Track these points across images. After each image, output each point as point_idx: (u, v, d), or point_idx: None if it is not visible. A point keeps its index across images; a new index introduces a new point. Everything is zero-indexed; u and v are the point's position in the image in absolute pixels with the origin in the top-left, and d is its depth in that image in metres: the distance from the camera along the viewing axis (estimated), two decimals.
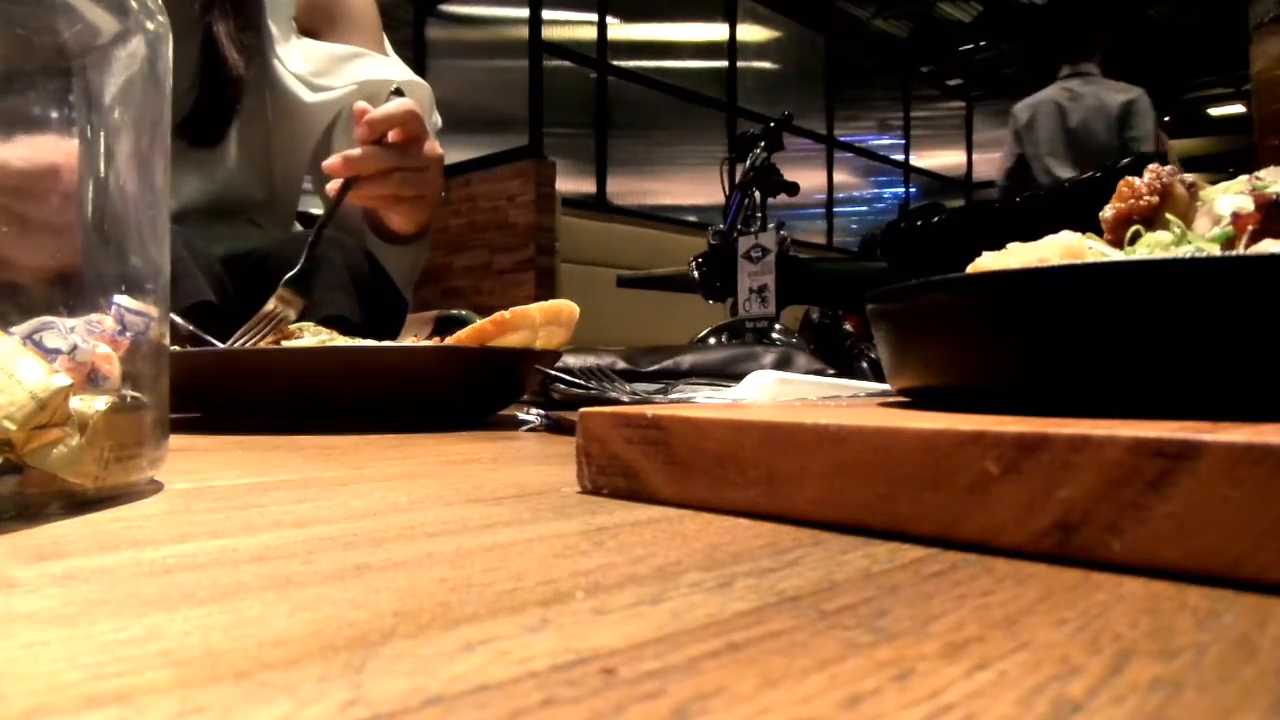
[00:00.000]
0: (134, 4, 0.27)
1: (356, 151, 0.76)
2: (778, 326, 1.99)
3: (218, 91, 0.91)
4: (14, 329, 0.24)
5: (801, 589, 0.16)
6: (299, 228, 1.10)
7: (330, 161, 0.76)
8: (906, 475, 0.20)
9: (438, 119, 1.02)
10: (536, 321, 0.57)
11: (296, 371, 0.53)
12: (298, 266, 0.69)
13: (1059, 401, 0.24)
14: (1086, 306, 0.23)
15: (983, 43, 6.43)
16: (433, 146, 0.82)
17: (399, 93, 0.80)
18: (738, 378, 0.70)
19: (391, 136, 0.77)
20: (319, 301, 0.80)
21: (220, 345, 0.64)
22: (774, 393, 0.51)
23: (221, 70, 0.90)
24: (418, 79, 1.00)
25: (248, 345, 0.65)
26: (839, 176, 6.18)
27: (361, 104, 0.77)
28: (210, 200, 0.95)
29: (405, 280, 0.99)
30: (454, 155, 3.99)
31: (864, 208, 6.64)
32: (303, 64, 0.96)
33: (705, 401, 0.53)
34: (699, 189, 4.79)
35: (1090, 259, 0.28)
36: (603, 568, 0.18)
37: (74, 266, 0.26)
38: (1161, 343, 0.22)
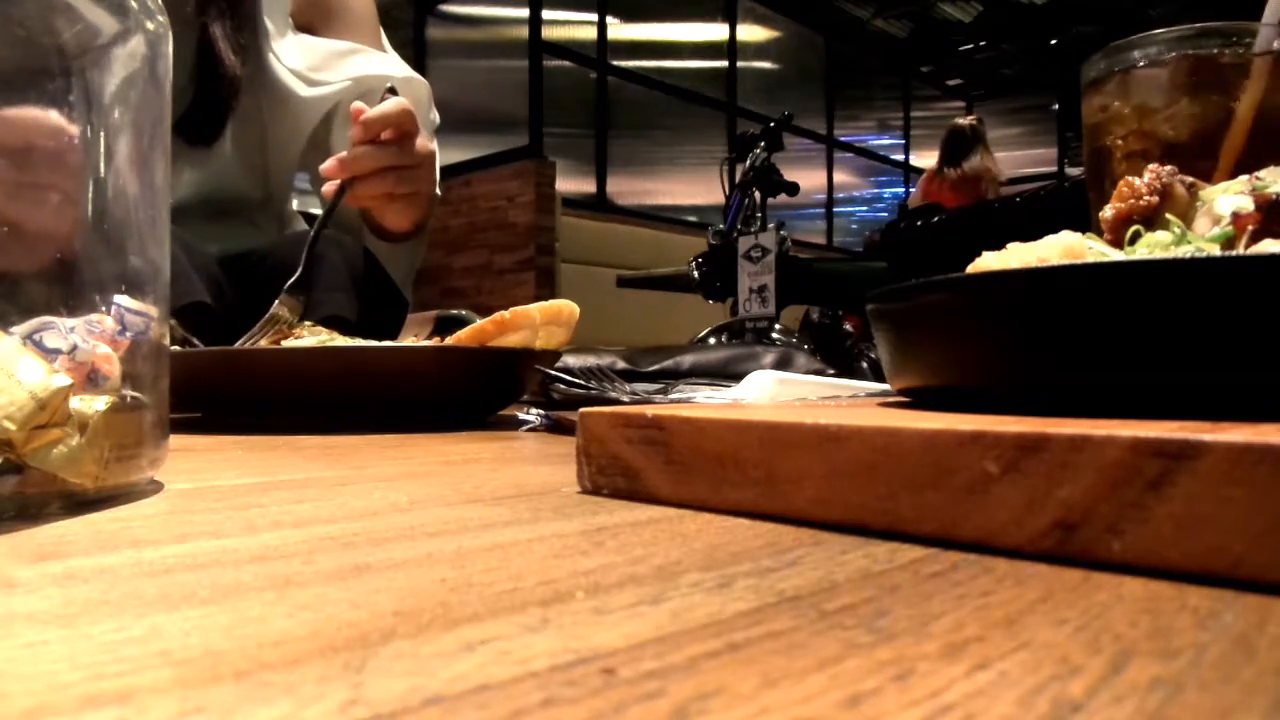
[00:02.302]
0: (134, 4, 0.27)
1: (351, 153, 0.77)
2: (778, 326, 1.99)
3: (214, 91, 0.91)
4: (14, 329, 0.24)
5: (801, 589, 0.16)
6: (304, 226, 1.09)
7: (326, 165, 0.77)
8: (906, 475, 0.20)
9: (436, 116, 1.01)
10: (536, 321, 0.57)
11: (296, 371, 0.53)
12: (298, 272, 0.70)
13: (1059, 401, 0.24)
14: (1086, 306, 0.23)
15: (983, 43, 6.43)
16: (424, 143, 0.83)
17: (393, 91, 0.81)
18: (738, 378, 0.70)
19: (385, 135, 0.78)
20: (319, 302, 0.80)
21: (205, 347, 0.64)
22: (774, 393, 0.51)
23: (218, 70, 0.90)
24: (416, 75, 1.00)
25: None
26: (839, 176, 6.17)
27: (358, 104, 0.78)
28: (206, 199, 0.95)
29: (403, 278, 0.99)
30: (454, 155, 4.00)
31: (864, 208, 6.63)
32: (299, 59, 0.95)
33: (705, 401, 0.53)
34: (699, 189, 4.79)
35: (1090, 259, 0.28)
36: (603, 568, 0.18)
37: (72, 248, 0.26)
38: (1161, 343, 0.22)
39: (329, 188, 0.78)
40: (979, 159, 3.70)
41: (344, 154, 0.77)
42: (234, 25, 0.92)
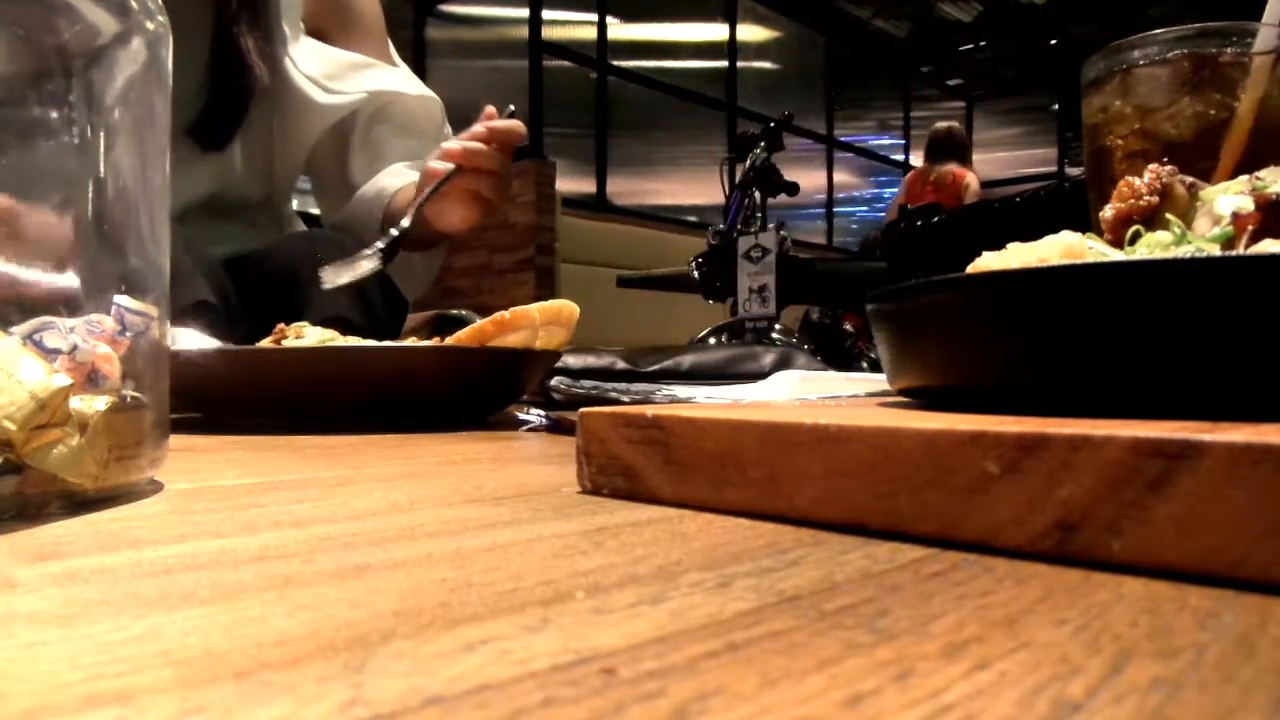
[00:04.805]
0: (134, 4, 0.27)
1: (477, 145, 0.81)
2: (778, 326, 1.99)
3: (231, 97, 0.92)
4: (14, 329, 0.24)
5: (801, 589, 0.16)
6: (301, 226, 1.10)
7: (449, 146, 0.82)
8: (906, 475, 0.20)
9: (449, 131, 1.03)
10: (536, 321, 0.57)
11: (296, 371, 0.53)
12: (403, 225, 0.79)
13: (1059, 401, 0.24)
14: (1086, 306, 0.23)
15: (983, 43, 6.43)
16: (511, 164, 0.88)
17: (513, 115, 0.87)
18: (737, 378, 0.70)
19: (492, 146, 0.82)
20: (320, 302, 0.81)
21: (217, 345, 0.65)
22: (799, 391, 0.51)
23: (239, 79, 0.91)
24: (430, 93, 1.03)
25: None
26: (839, 176, 6.18)
27: (490, 108, 0.85)
28: (211, 200, 0.95)
29: (412, 292, 1.00)
30: None
31: (864, 208, 6.64)
32: (315, 67, 0.97)
33: (706, 401, 0.53)
34: (699, 189, 4.80)
35: (1090, 259, 0.28)
36: (603, 568, 0.18)
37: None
38: (1161, 343, 0.22)
39: (434, 168, 0.82)
40: (957, 164, 3.73)
41: (466, 143, 0.82)
42: (262, 36, 0.92)
